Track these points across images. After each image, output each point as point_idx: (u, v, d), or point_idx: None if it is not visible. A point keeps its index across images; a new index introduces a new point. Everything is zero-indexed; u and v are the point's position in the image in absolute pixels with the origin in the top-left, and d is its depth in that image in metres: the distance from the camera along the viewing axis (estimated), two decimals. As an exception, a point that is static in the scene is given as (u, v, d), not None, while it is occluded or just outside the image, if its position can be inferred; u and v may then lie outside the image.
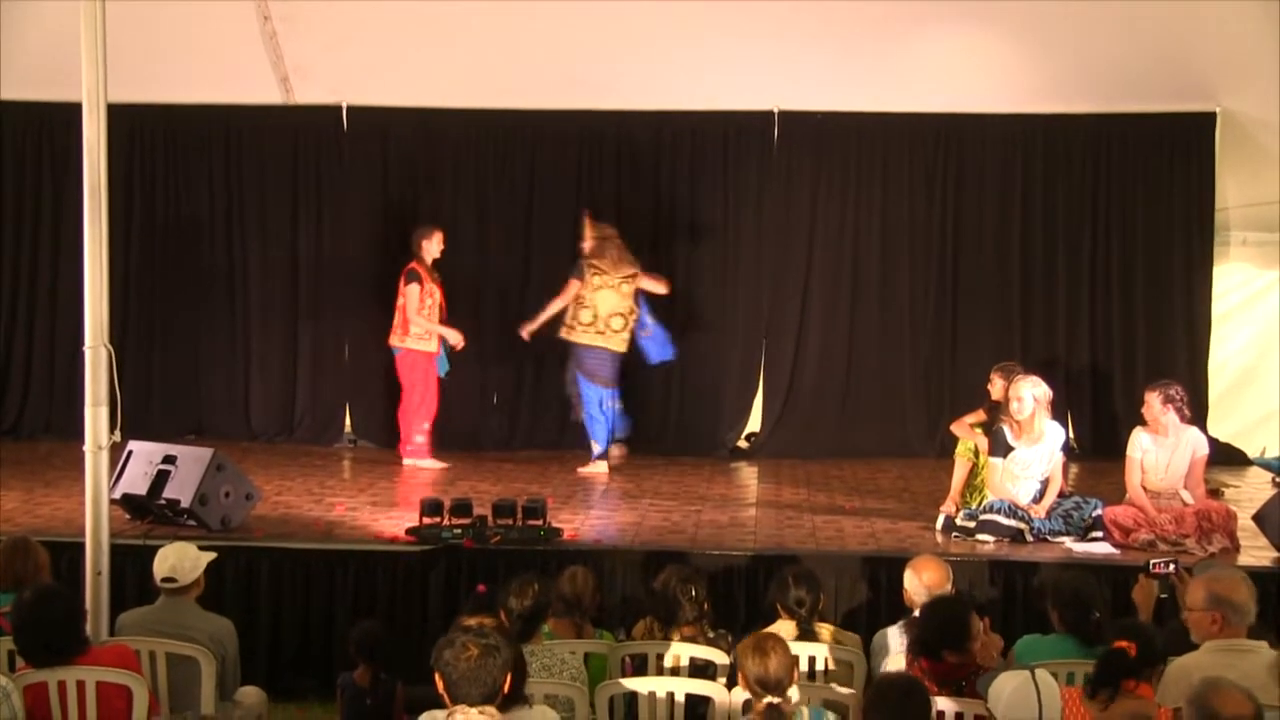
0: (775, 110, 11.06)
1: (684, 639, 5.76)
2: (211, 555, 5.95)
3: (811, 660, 5.61)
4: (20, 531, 6.85)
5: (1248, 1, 9.51)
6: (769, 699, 4.51)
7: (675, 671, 5.55)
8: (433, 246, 10.08)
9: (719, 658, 5.60)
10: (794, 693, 4.64)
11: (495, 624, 4.19)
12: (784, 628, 5.73)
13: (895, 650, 5.65)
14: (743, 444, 11.31)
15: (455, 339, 10.07)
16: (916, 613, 5.63)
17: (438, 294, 10.07)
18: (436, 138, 11.28)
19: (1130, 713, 4.35)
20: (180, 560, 5.76)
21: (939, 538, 7.90)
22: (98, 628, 5.70)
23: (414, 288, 9.96)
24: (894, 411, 11.18)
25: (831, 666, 5.64)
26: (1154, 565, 5.81)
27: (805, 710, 4.56)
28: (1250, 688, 3.96)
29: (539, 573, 6.11)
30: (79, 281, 6.02)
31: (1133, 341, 11.06)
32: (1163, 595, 5.86)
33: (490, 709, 3.82)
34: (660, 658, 5.64)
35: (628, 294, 9.97)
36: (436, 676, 3.92)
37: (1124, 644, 4.45)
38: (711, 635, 5.88)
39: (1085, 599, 5.53)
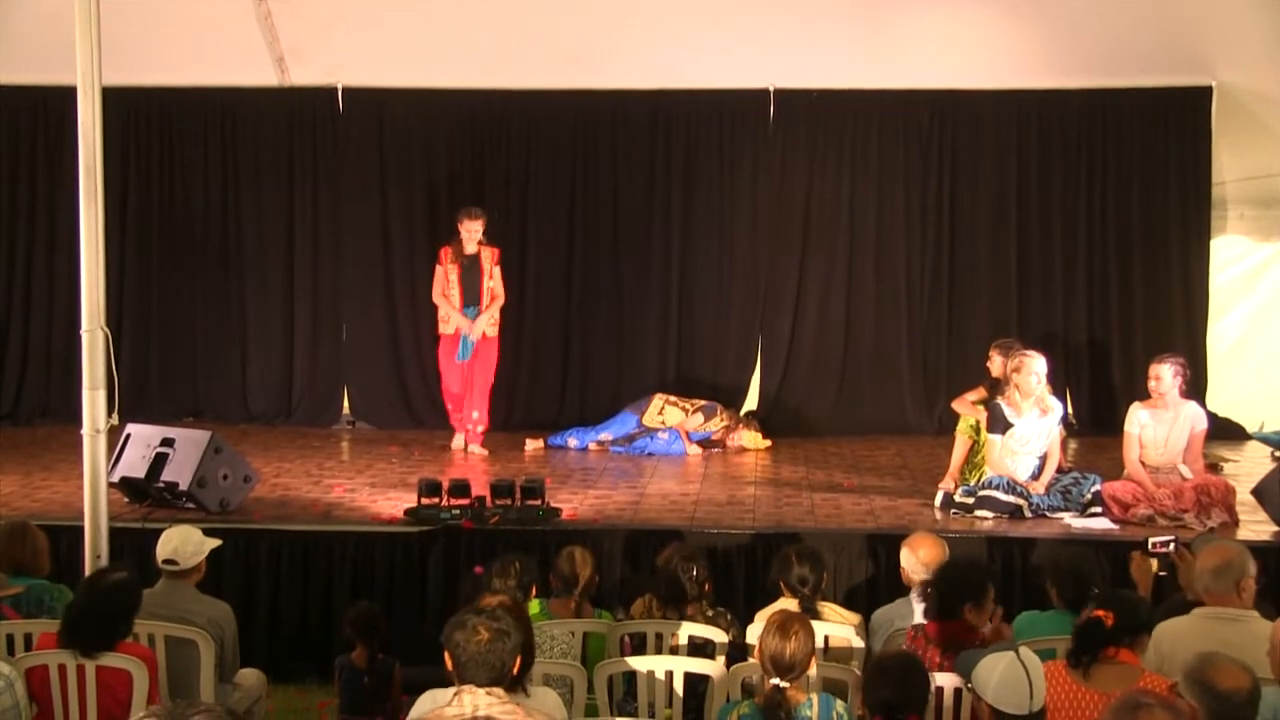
0: (770, 88, 11.01)
1: (683, 618, 5.76)
2: (216, 542, 5.95)
3: (811, 638, 5.61)
4: (19, 516, 6.85)
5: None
6: (777, 681, 4.45)
7: (674, 650, 5.56)
8: (472, 228, 9.66)
9: (718, 636, 5.61)
10: (812, 671, 4.58)
11: (511, 604, 4.19)
12: (786, 606, 5.72)
13: (896, 628, 5.65)
14: (741, 422, 11.28)
15: (464, 325, 9.73)
16: (914, 591, 5.66)
17: (454, 276, 9.71)
18: (432, 118, 11.23)
19: (1115, 677, 4.36)
20: (183, 544, 5.75)
21: (938, 514, 7.90)
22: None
23: (436, 270, 9.88)
24: (892, 388, 11.16)
25: (833, 645, 5.65)
26: (1153, 544, 5.81)
27: (814, 698, 4.47)
28: (1235, 656, 3.99)
29: (522, 552, 6.12)
30: (75, 265, 6.02)
31: (1131, 317, 11.03)
32: (1162, 573, 5.87)
33: (498, 690, 3.83)
34: (659, 637, 5.64)
35: None
36: (446, 655, 3.93)
37: (1101, 613, 4.46)
38: (710, 614, 5.89)
39: (1084, 575, 5.54)
